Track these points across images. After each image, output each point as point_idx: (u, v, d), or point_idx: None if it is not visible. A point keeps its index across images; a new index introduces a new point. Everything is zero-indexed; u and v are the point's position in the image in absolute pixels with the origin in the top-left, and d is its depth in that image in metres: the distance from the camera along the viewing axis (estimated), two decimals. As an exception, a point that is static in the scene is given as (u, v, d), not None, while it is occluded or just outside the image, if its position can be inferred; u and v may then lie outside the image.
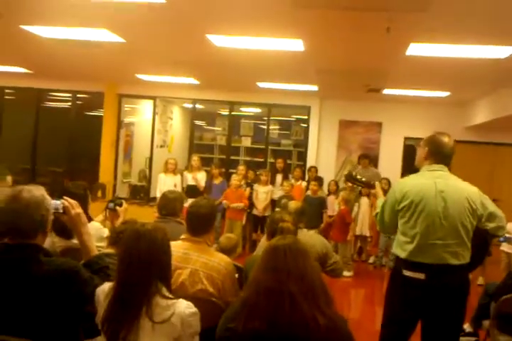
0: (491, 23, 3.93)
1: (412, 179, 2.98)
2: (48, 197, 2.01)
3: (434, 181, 2.83)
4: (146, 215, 5.12)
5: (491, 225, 2.84)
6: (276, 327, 1.76)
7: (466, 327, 4.01)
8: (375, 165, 8.57)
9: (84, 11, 4.39)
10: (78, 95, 9.90)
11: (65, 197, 2.26)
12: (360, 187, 6.36)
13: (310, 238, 3.57)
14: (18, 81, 9.36)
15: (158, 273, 1.95)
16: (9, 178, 3.31)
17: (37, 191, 1.97)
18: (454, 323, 2.86)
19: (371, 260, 7.55)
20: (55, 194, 2.53)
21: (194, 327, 1.92)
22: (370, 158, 8.35)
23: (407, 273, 2.82)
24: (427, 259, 2.77)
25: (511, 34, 4.21)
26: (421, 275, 2.76)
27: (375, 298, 6.03)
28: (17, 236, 1.91)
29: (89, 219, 3.19)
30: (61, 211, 2.21)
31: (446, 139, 2.93)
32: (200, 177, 7.50)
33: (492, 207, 2.87)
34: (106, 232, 3.27)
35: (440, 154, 2.92)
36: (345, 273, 6.60)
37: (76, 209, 2.22)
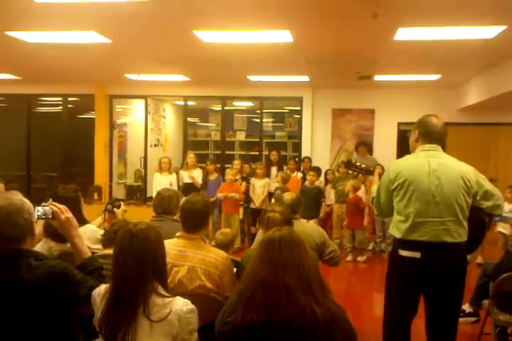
0: (477, 2, 3.90)
1: (405, 159, 3.01)
2: (26, 200, 1.99)
3: (428, 160, 2.85)
4: (144, 215, 5.11)
5: (487, 204, 2.85)
6: (273, 318, 1.76)
7: (466, 307, 4.02)
8: (370, 152, 8.55)
9: (70, 13, 4.36)
10: (69, 98, 9.87)
11: (52, 203, 2.24)
12: (355, 173, 6.38)
13: (307, 228, 3.56)
14: (8, 87, 9.32)
15: (154, 272, 1.93)
16: (1, 185, 3.29)
17: (14, 196, 1.95)
18: (453, 302, 2.88)
19: (370, 246, 7.58)
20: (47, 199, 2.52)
21: (192, 324, 1.92)
22: (368, 146, 8.34)
23: (403, 252, 2.83)
24: (421, 237, 2.77)
25: (498, 14, 4.20)
26: (416, 254, 2.77)
27: (376, 283, 6.04)
28: (5, 243, 1.89)
29: (84, 221, 3.18)
30: (50, 216, 2.19)
31: (434, 120, 2.96)
32: (196, 175, 7.46)
33: (488, 185, 2.88)
34: (103, 234, 3.24)
35: (431, 134, 2.94)
36: (360, 259, 6.96)
37: (65, 213, 2.20)
